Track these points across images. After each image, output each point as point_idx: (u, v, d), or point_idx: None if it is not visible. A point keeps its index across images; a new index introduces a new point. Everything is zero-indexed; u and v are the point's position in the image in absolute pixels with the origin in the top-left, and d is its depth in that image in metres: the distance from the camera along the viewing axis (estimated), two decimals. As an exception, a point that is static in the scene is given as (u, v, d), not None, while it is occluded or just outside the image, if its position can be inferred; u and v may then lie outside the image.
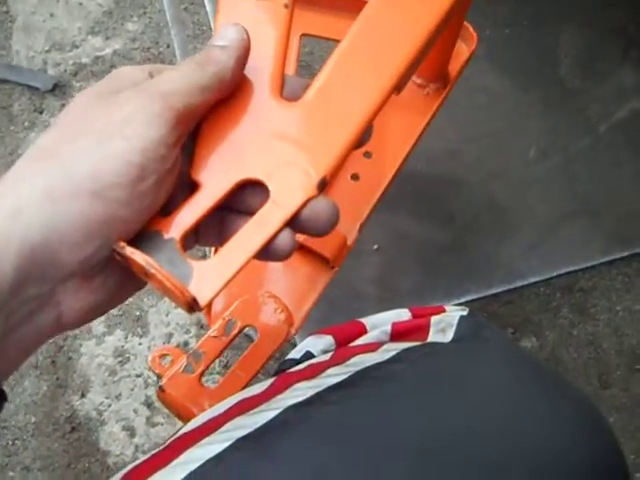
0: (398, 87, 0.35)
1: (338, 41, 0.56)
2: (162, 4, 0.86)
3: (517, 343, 0.57)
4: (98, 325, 0.75)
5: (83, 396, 0.73)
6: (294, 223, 0.31)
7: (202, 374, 0.54)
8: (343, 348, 0.50)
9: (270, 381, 0.44)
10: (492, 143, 0.80)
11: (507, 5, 0.86)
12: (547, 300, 0.78)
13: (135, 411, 0.72)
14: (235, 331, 0.56)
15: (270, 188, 0.31)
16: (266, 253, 0.31)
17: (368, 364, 0.41)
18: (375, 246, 0.76)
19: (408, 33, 0.35)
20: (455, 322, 0.50)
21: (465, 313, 0.52)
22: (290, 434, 0.37)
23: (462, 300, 0.75)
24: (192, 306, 0.28)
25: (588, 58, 0.84)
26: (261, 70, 0.34)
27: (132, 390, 0.72)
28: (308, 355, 0.51)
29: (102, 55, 0.85)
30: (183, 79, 0.30)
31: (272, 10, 0.35)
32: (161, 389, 0.54)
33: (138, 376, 0.73)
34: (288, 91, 0.34)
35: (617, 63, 0.84)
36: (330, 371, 0.42)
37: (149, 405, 0.72)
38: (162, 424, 0.72)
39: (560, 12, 0.86)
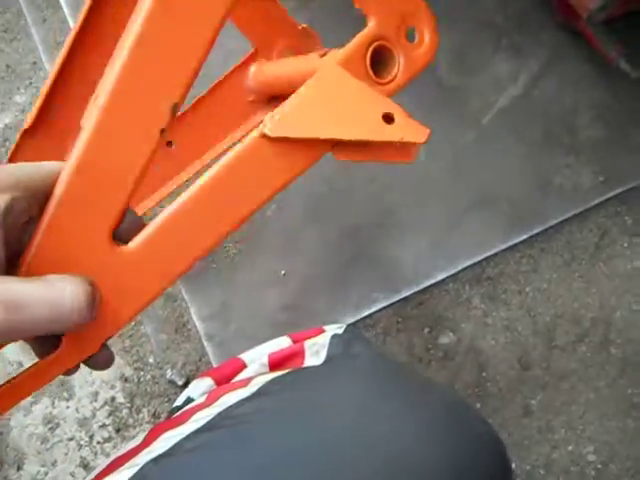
0: None
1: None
2: (46, 73, 0.88)
3: (384, 355, 0.59)
4: (25, 396, 0.75)
5: (19, 469, 0.73)
6: None
7: None
8: (215, 389, 0.51)
9: (144, 434, 0.46)
10: (381, 152, 0.82)
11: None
12: (457, 294, 0.80)
13: (72, 474, 0.73)
14: None
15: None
16: None
17: (232, 402, 0.43)
18: (282, 272, 0.78)
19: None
20: (327, 342, 0.52)
21: (340, 331, 0.54)
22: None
23: (373, 309, 0.77)
24: None
25: (462, 54, 0.87)
26: (105, 201, 0.31)
27: (66, 454, 0.73)
28: (189, 400, 0.52)
29: (-6, 131, 0.86)
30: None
31: (144, 135, 0.31)
32: None
33: (70, 439, 0.74)
34: (121, 229, 0.32)
35: (490, 54, 0.87)
36: (196, 416, 0.43)
37: (85, 466, 0.73)
38: (100, 482, 0.72)
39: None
